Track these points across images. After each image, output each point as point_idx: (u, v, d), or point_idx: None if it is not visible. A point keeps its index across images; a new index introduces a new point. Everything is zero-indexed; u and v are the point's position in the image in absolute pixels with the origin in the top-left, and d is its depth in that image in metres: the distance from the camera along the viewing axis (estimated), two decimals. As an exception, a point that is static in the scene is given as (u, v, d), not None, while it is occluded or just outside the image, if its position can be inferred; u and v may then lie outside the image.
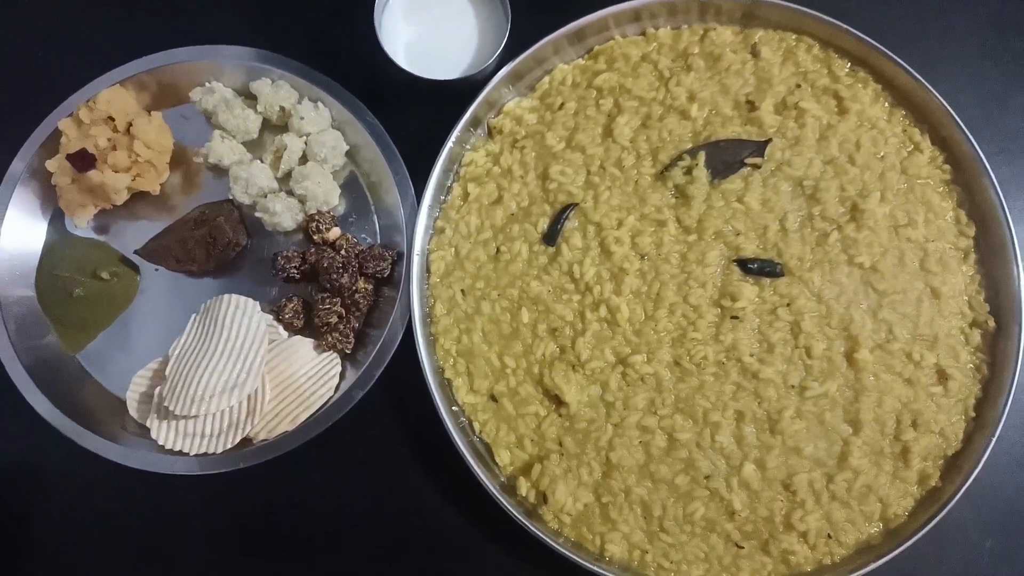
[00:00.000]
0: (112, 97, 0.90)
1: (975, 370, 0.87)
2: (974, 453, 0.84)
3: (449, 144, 0.91)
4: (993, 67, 0.99)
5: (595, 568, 0.83)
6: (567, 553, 0.83)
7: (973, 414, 0.86)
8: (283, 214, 0.92)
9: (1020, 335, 0.85)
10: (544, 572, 0.88)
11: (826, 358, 0.86)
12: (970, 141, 0.88)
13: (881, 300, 0.87)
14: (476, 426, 0.89)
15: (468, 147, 0.95)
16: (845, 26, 0.90)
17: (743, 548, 0.84)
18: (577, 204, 0.91)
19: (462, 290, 0.91)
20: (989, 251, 0.89)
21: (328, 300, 0.90)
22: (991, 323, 0.87)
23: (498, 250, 0.91)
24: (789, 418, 0.85)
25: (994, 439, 0.84)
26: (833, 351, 0.86)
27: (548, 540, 0.83)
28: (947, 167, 0.91)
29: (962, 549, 0.89)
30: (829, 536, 0.84)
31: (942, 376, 0.86)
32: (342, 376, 0.92)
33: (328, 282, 0.90)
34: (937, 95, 0.89)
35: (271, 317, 0.92)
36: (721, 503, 0.84)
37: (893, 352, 0.86)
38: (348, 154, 0.96)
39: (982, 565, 0.89)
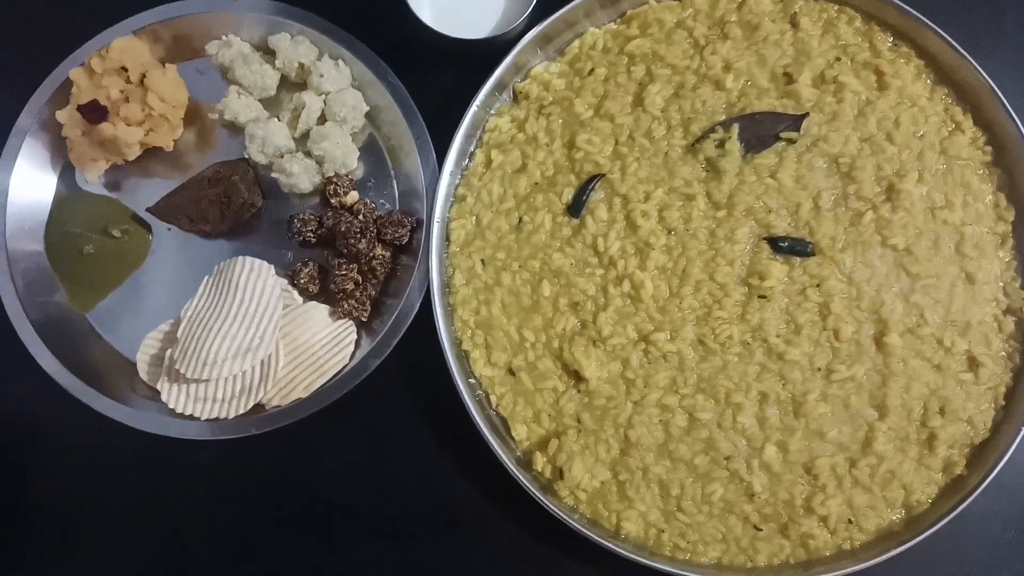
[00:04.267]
0: (125, 47, 0.87)
1: (1007, 358, 0.85)
2: (1002, 443, 0.83)
3: (473, 108, 0.88)
4: (1041, 46, 0.96)
5: (610, 545, 0.82)
6: (582, 530, 0.82)
7: (1003, 403, 0.85)
8: (300, 175, 0.89)
9: (1055, 324, 0.83)
10: (558, 548, 0.87)
11: (854, 341, 0.84)
12: (1015, 122, 0.85)
13: (914, 284, 0.85)
14: (493, 399, 0.88)
15: (492, 112, 0.92)
16: (890, -2, 0.87)
17: (761, 530, 0.83)
18: (604, 175, 0.88)
19: (482, 260, 0.89)
20: (1028, 237, 0.86)
21: (345, 266, 0.88)
22: (1025, 311, 0.85)
23: (520, 220, 0.89)
24: (814, 401, 0.83)
25: (1023, 429, 0.82)
26: (862, 334, 0.84)
27: (563, 516, 0.82)
28: (988, 149, 0.88)
29: (982, 540, 0.88)
30: (850, 521, 0.83)
31: (973, 363, 0.84)
32: (357, 344, 0.90)
33: (345, 247, 0.88)
34: (983, 74, 0.86)
35: (286, 281, 0.90)
36: (741, 485, 0.83)
37: (923, 337, 0.84)
38: (368, 115, 0.93)
39: (1000, 557, 0.88)
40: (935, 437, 0.83)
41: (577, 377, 0.86)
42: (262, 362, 0.86)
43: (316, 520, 0.90)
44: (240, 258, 0.88)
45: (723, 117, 0.88)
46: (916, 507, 0.83)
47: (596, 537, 0.82)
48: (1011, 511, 0.88)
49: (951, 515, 0.81)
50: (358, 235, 0.87)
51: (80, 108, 0.85)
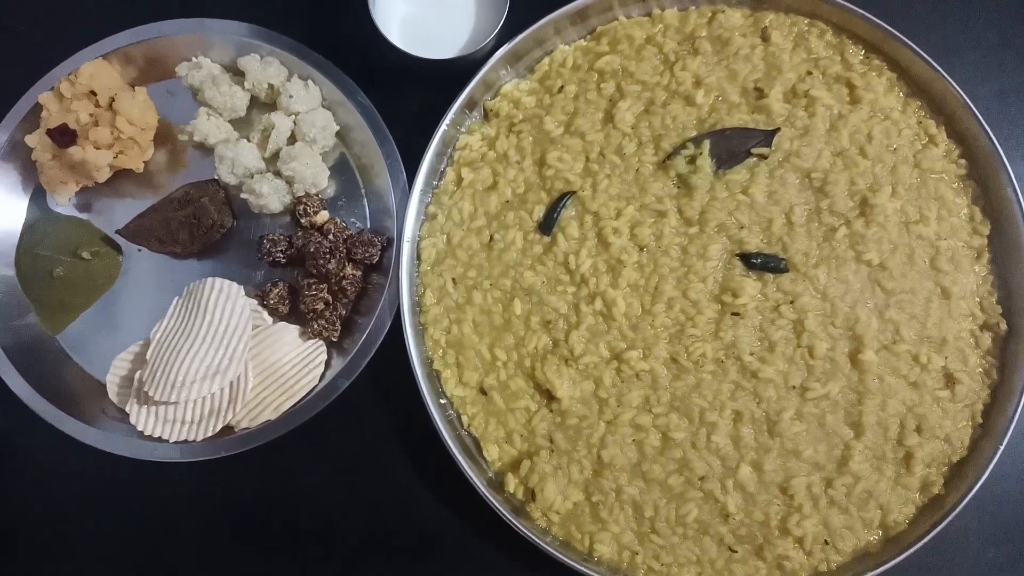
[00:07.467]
0: (95, 71, 0.87)
1: (984, 374, 0.84)
2: (980, 461, 0.81)
3: (443, 127, 0.88)
4: (1014, 57, 0.95)
5: (583, 568, 0.80)
6: (554, 552, 0.81)
7: (980, 420, 0.83)
8: (270, 196, 0.89)
9: (1033, 339, 0.82)
10: (531, 571, 0.86)
11: (829, 358, 0.83)
12: (988, 135, 0.84)
13: (888, 299, 0.84)
14: (464, 419, 0.87)
15: (463, 130, 0.92)
16: (860, 11, 0.86)
17: (736, 552, 0.81)
18: (575, 192, 0.88)
19: (453, 279, 0.88)
20: (1003, 250, 0.85)
21: (315, 286, 0.88)
22: (1002, 326, 0.84)
23: (491, 238, 0.88)
24: (789, 420, 0.82)
25: (1002, 447, 0.80)
26: (836, 351, 0.83)
27: (535, 539, 0.81)
28: (963, 162, 0.87)
29: (963, 558, 0.86)
30: (826, 542, 0.81)
31: (949, 380, 0.83)
32: (327, 365, 0.90)
33: (315, 267, 0.87)
34: (955, 86, 0.85)
35: (255, 302, 0.89)
36: (715, 505, 0.82)
37: (899, 354, 0.83)
38: (338, 135, 0.93)
39: None
40: (912, 456, 0.82)
41: (549, 396, 0.85)
42: (231, 384, 0.86)
43: (287, 542, 0.89)
44: (209, 279, 0.87)
45: (694, 133, 0.87)
46: (893, 527, 0.82)
47: (569, 560, 0.81)
48: (991, 529, 0.87)
49: (929, 535, 0.79)
50: (328, 255, 0.87)
51: (49, 132, 0.85)
